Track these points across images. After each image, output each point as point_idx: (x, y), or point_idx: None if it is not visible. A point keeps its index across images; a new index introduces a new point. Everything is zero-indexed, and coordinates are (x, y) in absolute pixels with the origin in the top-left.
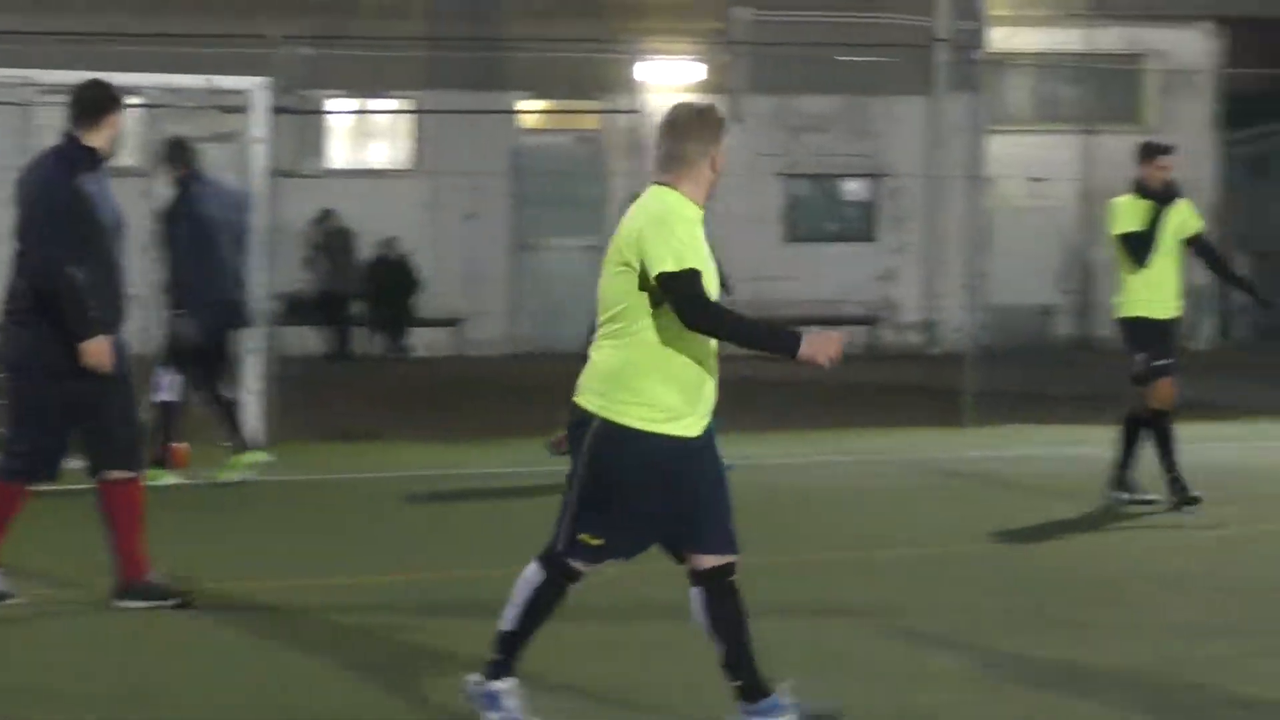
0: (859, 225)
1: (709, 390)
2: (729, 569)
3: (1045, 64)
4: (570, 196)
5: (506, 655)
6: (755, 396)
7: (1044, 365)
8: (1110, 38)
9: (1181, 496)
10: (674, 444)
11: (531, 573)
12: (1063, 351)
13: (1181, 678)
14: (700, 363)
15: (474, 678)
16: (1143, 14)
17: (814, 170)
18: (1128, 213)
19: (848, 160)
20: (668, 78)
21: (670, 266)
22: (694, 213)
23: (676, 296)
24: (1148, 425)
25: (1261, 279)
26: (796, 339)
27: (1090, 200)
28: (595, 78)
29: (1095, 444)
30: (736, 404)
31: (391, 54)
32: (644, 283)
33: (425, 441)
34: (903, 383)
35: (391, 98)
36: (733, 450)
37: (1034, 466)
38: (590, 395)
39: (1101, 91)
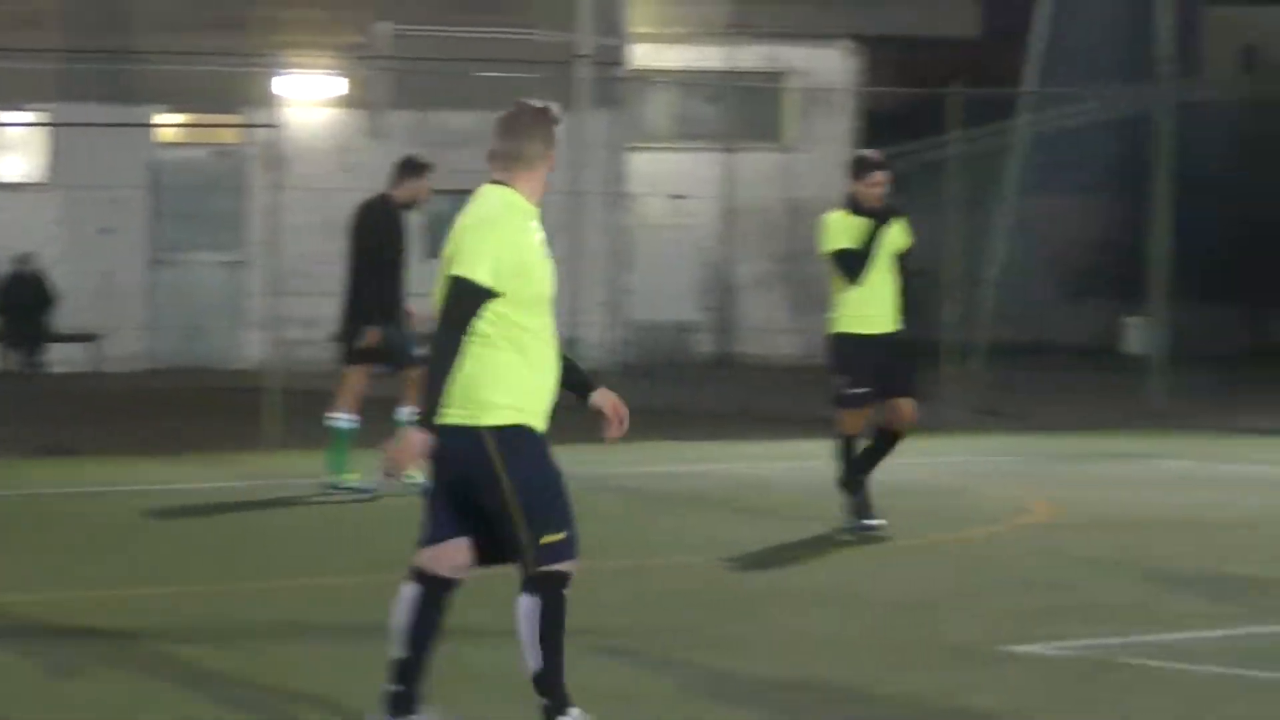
0: None
1: (551, 387)
2: (567, 577)
3: (686, 81)
4: (209, 210)
5: (554, 696)
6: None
7: (685, 382)
8: (751, 56)
9: (858, 518)
10: (540, 437)
11: (526, 605)
12: (703, 369)
13: (813, 692)
14: (545, 363)
15: None
16: (782, 33)
17: (455, 186)
18: (839, 229)
19: (489, 177)
20: (307, 92)
21: (459, 270)
22: (529, 211)
23: (446, 299)
24: (893, 442)
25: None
26: (430, 415)
27: (731, 218)
28: (234, 91)
29: (732, 460)
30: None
31: (24, 65)
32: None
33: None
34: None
35: (24, 110)
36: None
37: (675, 483)
38: (455, 410)
39: (742, 109)
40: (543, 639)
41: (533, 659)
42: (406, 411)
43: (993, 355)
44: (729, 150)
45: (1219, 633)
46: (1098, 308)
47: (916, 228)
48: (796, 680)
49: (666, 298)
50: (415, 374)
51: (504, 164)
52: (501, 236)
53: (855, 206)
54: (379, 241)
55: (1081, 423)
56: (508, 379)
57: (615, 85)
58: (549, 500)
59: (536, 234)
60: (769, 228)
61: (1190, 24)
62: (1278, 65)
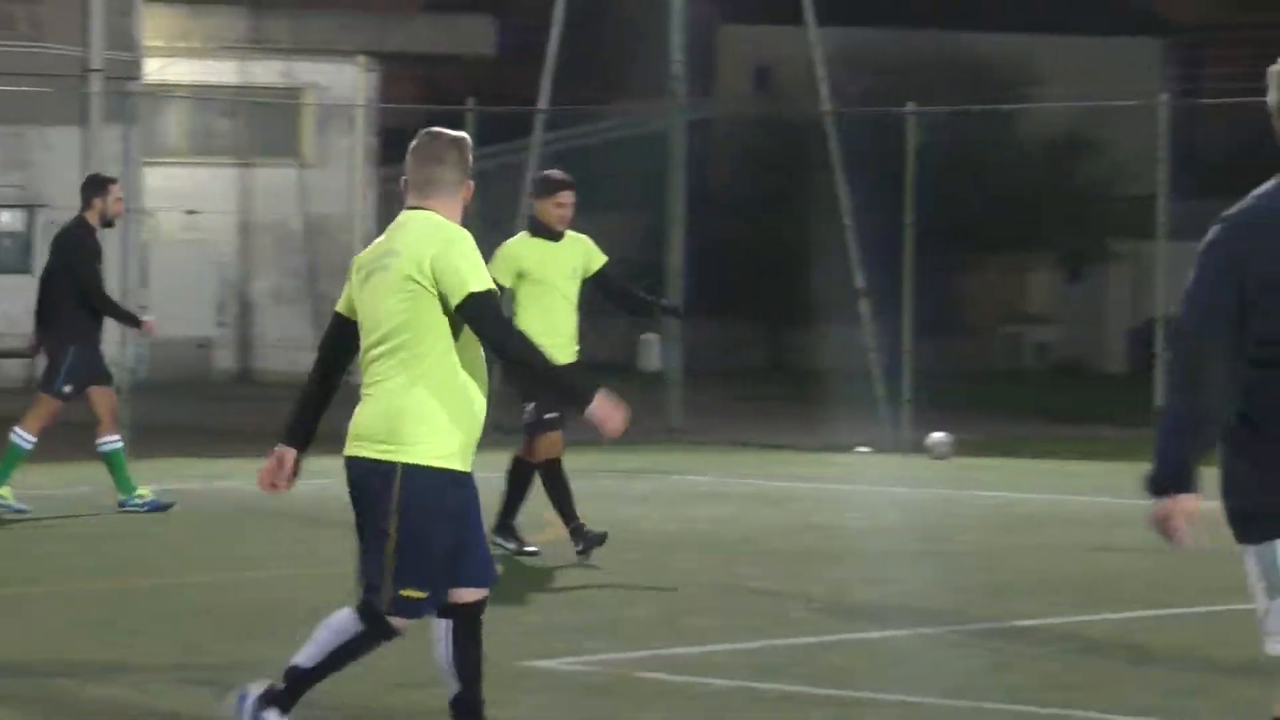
0: (15, 257)
1: (482, 420)
2: (483, 603)
3: (202, 96)
4: None
5: (292, 693)
6: None
7: (205, 399)
8: (267, 71)
9: (587, 541)
10: (459, 478)
11: (345, 621)
12: (223, 385)
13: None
14: (479, 392)
15: (251, 694)
16: (299, 48)
17: None
18: (512, 256)
19: (1, 191)
20: None
21: (478, 286)
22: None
23: (485, 319)
24: (532, 473)
25: None
26: (591, 393)
27: (248, 233)
28: None
29: (246, 477)
30: None
31: None
32: (445, 307)
33: None
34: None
35: None
36: None
37: (193, 501)
38: (373, 444)
39: (258, 125)
40: (332, 656)
41: (308, 658)
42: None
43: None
44: (245, 165)
45: (734, 646)
46: (616, 324)
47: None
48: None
49: (184, 314)
50: (100, 395)
51: (424, 190)
52: (472, 253)
53: (537, 227)
54: (70, 261)
55: (599, 439)
56: (440, 414)
57: (129, 100)
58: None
59: None
60: (287, 243)
61: (705, 43)
62: (790, 84)
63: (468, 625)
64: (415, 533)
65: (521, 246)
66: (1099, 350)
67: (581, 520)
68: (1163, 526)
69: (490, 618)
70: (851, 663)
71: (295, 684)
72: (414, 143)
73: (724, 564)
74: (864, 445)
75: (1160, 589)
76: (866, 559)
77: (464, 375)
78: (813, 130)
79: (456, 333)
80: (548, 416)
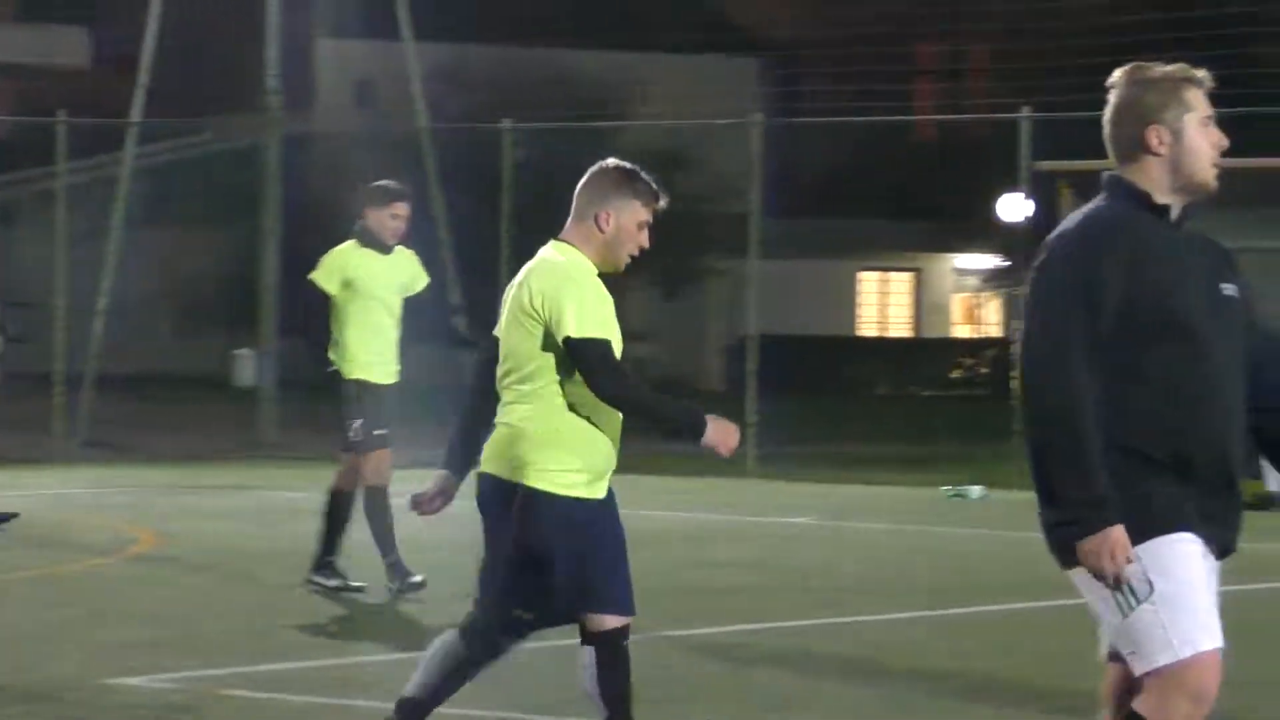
0: None
1: (616, 448)
2: (626, 630)
3: None
4: None
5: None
6: None
7: None
8: None
9: (403, 581)
10: (591, 506)
11: (451, 643)
12: None
13: None
14: (610, 421)
15: None
16: None
17: None
18: (338, 264)
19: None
20: None
21: (576, 332)
22: (593, 271)
23: (585, 365)
24: (351, 501)
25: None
26: (703, 421)
27: None
28: None
29: None
30: None
31: None
32: (549, 342)
33: None
34: None
35: None
36: None
37: None
38: (503, 463)
39: None
40: (443, 682)
41: (418, 688)
42: None
43: (102, 387)
44: None
45: (319, 662)
46: (212, 339)
47: (26, 258)
48: None
49: None
50: None
51: (570, 219)
52: (586, 293)
53: (367, 238)
54: None
55: (192, 455)
56: (570, 443)
57: None
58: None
59: (604, 294)
60: None
61: (304, 57)
62: (389, 100)
63: (612, 652)
64: (531, 555)
65: (351, 255)
66: (697, 367)
67: (399, 557)
68: (1099, 562)
69: (70, 635)
70: None
71: (409, 716)
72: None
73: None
74: None
75: (760, 603)
76: (457, 574)
77: (592, 404)
78: (411, 145)
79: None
80: (377, 433)
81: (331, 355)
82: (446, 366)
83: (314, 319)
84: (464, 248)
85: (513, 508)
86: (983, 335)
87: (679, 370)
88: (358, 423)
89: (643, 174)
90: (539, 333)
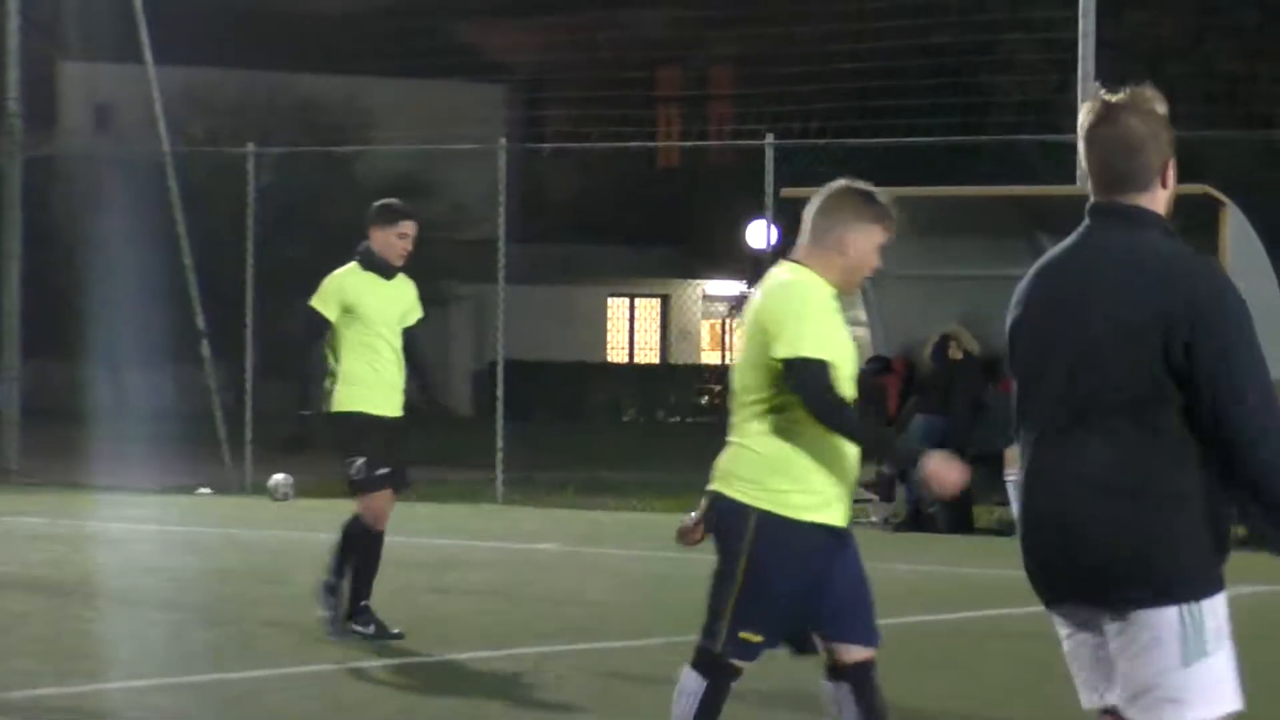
0: None
1: (854, 473)
2: (873, 662)
3: None
4: None
5: None
6: None
7: None
8: None
9: (384, 632)
10: (829, 532)
11: (691, 683)
12: None
13: None
14: (848, 446)
15: None
16: None
17: None
18: (338, 287)
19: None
20: None
21: (790, 352)
22: (828, 293)
23: (802, 388)
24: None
25: None
26: (907, 459)
27: None
28: None
29: None
30: None
31: None
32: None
33: None
34: None
35: None
36: None
37: None
38: (742, 484)
39: None
40: (703, 714)
41: None
42: None
43: None
44: None
45: (64, 690)
46: None
47: None
48: None
49: None
50: None
51: (804, 240)
52: (808, 315)
53: (371, 260)
54: None
55: None
56: (808, 467)
57: None
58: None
59: (838, 317)
60: None
61: (44, 79)
62: (131, 123)
63: (865, 683)
64: (761, 577)
65: (352, 278)
66: (444, 393)
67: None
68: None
69: None
70: (185, 705)
71: None
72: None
73: (56, 607)
74: (206, 487)
75: (503, 629)
76: (205, 601)
77: (815, 428)
78: (154, 169)
79: None
80: (379, 473)
81: (328, 387)
82: (190, 389)
83: (292, 352)
84: (208, 271)
85: (748, 530)
86: (731, 361)
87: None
88: (359, 461)
89: (878, 196)
90: (769, 351)
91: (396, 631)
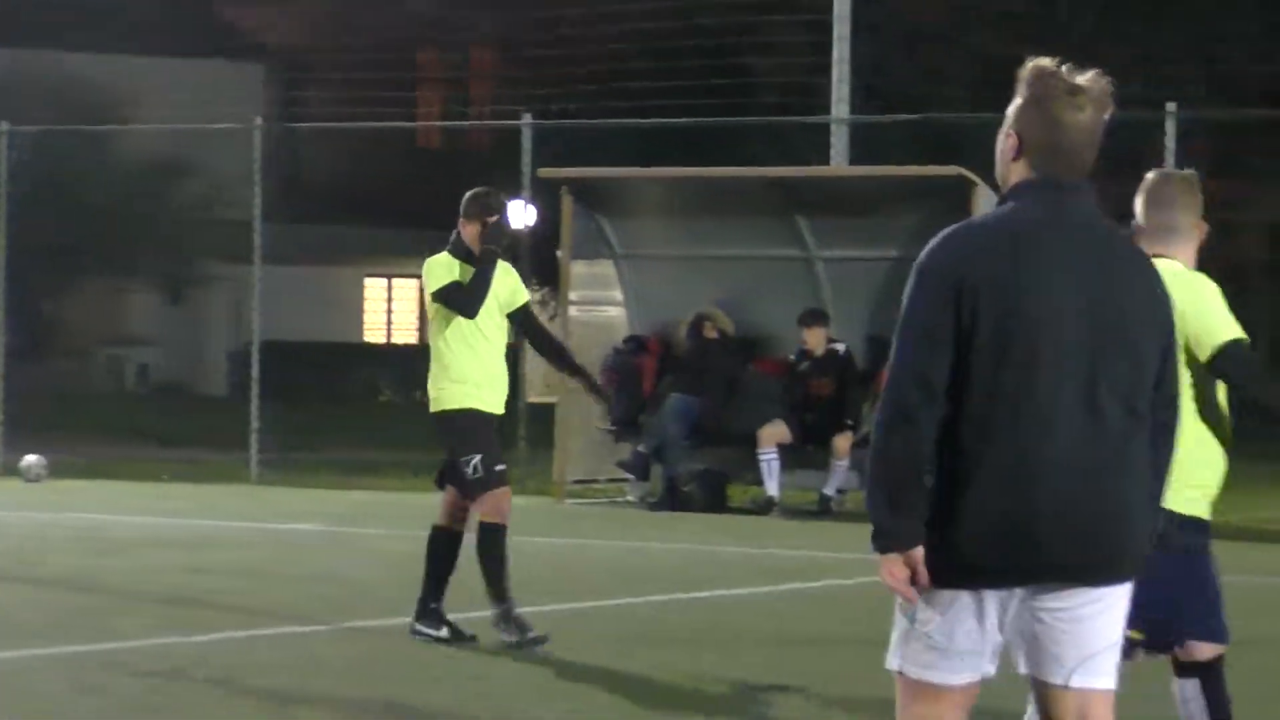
0: None
1: (1218, 472)
2: (1222, 657)
3: None
4: None
5: None
6: None
7: None
8: None
9: (522, 634)
10: (1205, 528)
11: (1192, 690)
12: None
13: None
14: (1218, 441)
15: None
16: None
17: None
18: (443, 271)
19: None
20: None
21: (1230, 335)
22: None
23: (1235, 369)
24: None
25: None
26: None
27: None
28: None
29: None
30: None
31: None
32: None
33: None
34: None
35: None
36: None
37: None
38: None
39: None
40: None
41: None
42: None
43: None
44: None
45: None
46: None
47: None
48: None
49: None
50: None
51: (1158, 237)
52: (1220, 302)
53: (462, 251)
54: None
55: None
56: (1202, 463)
57: None
58: None
59: None
60: None
61: None
62: None
63: (1216, 679)
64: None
65: (450, 268)
66: (200, 373)
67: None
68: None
69: None
70: None
71: None
72: (1145, 185)
73: None
74: None
75: (251, 611)
76: None
77: (1197, 424)
78: None
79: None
80: (498, 469)
81: (435, 385)
82: None
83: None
84: None
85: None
86: None
87: (181, 375)
88: (476, 459)
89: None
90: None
91: (470, 634)
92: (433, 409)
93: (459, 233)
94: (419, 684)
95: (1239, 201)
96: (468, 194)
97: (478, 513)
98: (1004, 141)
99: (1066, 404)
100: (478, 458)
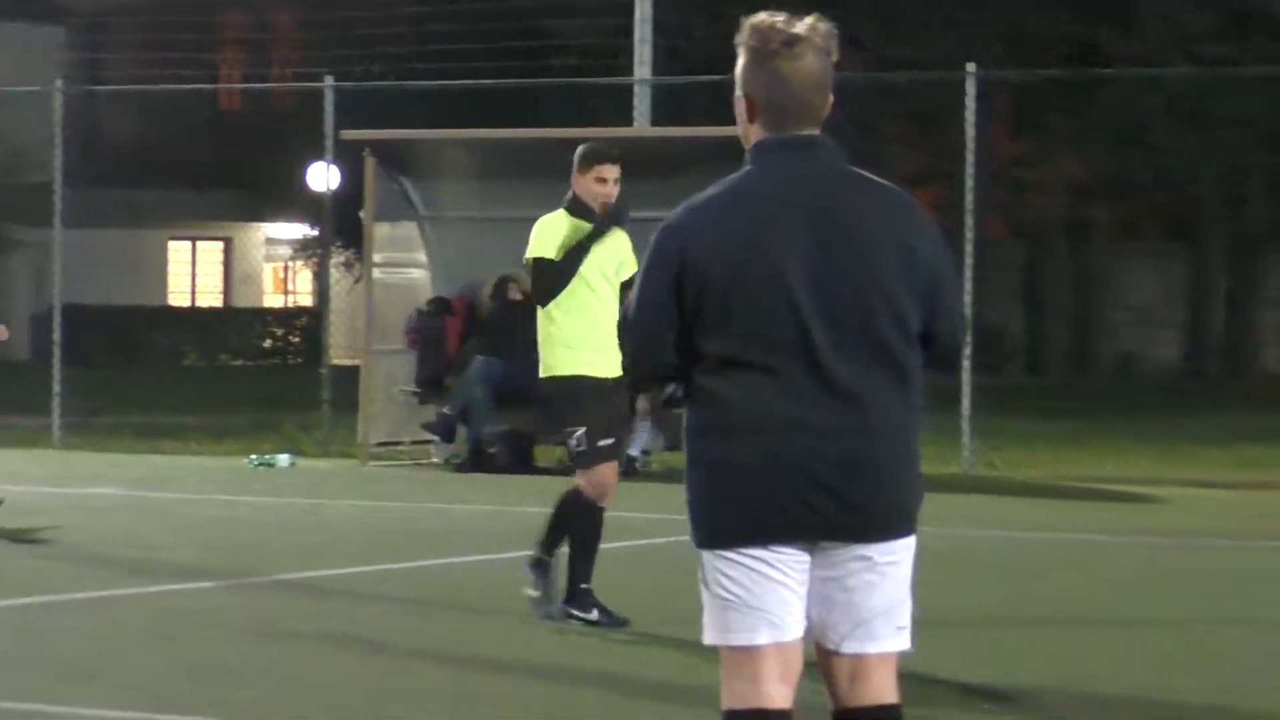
0: None
1: None
2: None
3: None
4: None
5: None
6: None
7: None
8: None
9: (609, 617)
10: None
11: None
12: None
13: None
14: None
15: None
16: None
17: None
18: (551, 234)
19: None
20: None
21: None
22: None
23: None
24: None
25: None
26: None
27: None
28: None
29: None
30: None
31: None
32: None
33: None
34: None
35: None
36: None
37: None
38: None
39: None
40: None
41: None
42: None
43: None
44: None
45: None
46: None
47: None
48: None
49: None
50: None
51: None
52: None
53: (577, 208)
54: None
55: None
56: None
57: None
58: None
59: None
60: None
61: None
62: None
63: None
64: None
65: (566, 226)
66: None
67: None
68: None
69: None
70: None
71: None
72: None
73: None
74: None
75: (57, 575)
76: None
77: None
78: None
79: None
80: (603, 444)
81: (544, 350)
82: None
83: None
84: None
85: None
86: (294, 305)
87: None
88: (580, 431)
89: None
90: None
91: (624, 619)
92: (542, 375)
93: (573, 191)
94: (219, 645)
95: (1039, 160)
96: (581, 147)
97: (580, 480)
98: (738, 105)
99: (809, 363)
100: (582, 431)
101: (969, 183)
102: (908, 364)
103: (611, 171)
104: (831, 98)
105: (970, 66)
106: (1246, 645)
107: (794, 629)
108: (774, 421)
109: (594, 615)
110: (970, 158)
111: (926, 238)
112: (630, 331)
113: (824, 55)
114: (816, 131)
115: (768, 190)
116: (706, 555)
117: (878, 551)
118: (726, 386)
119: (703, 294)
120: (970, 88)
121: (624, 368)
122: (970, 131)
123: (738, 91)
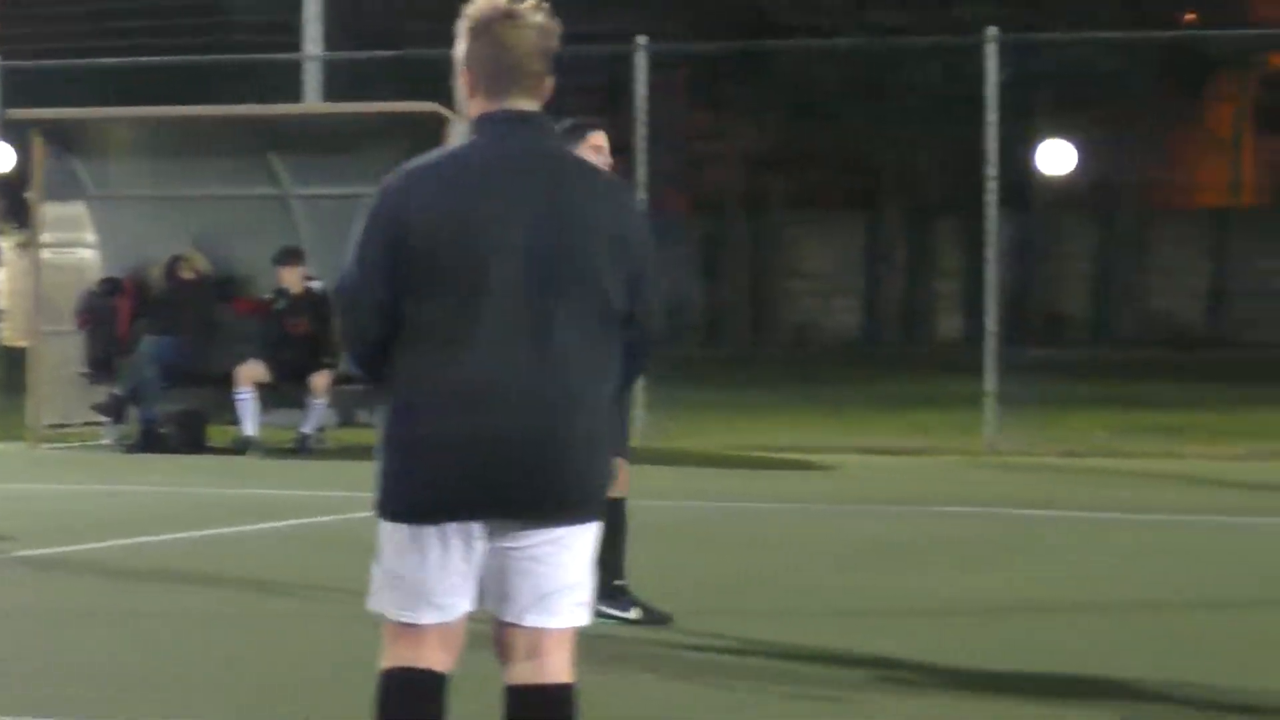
0: None
1: None
2: None
3: None
4: None
5: None
6: None
7: None
8: None
9: (649, 614)
10: None
11: None
12: None
13: None
14: None
15: None
16: None
17: None
18: None
19: None
20: None
21: None
22: None
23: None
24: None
25: None
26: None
27: None
28: None
29: None
30: None
31: None
32: None
33: None
34: None
35: None
36: None
37: None
38: None
39: None
40: None
41: None
42: None
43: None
44: None
45: None
46: None
47: None
48: None
49: None
50: None
51: None
52: None
53: None
54: None
55: None
56: None
57: None
58: None
59: None
60: None
61: None
62: None
63: None
64: None
65: None
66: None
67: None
68: None
69: None
70: None
71: None
72: None
73: None
74: None
75: None
76: None
77: None
78: None
79: None
80: None
81: None
82: None
83: None
84: None
85: None
86: None
87: None
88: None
89: None
90: None
91: (665, 615)
92: None
93: None
94: None
95: (716, 133)
96: (568, 121)
97: None
98: (459, 81)
99: (512, 338)
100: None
101: (639, 156)
102: (610, 347)
103: (604, 139)
104: (551, 80)
105: (641, 39)
106: (906, 612)
107: (460, 608)
108: (471, 397)
109: (632, 614)
110: (642, 130)
111: (637, 229)
112: (341, 296)
113: (544, 33)
114: (537, 108)
115: (490, 160)
116: (385, 526)
117: (567, 532)
118: (427, 359)
119: (415, 256)
120: (641, 61)
121: (339, 340)
122: (642, 105)
123: (459, 68)
